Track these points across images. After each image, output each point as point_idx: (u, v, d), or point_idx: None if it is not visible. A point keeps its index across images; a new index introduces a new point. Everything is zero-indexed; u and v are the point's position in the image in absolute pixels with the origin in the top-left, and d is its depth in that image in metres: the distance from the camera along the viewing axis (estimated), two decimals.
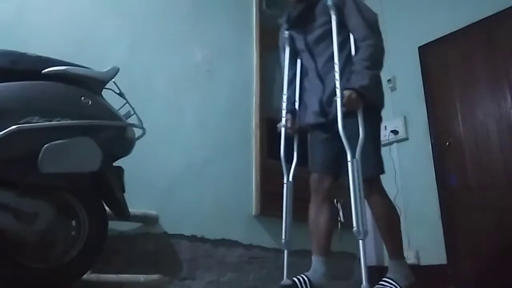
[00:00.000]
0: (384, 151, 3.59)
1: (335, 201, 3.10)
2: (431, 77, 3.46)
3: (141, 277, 2.05)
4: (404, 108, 3.54)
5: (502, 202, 2.88)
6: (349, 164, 1.78)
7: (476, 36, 3.23)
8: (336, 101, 1.90)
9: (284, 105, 2.22)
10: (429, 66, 3.49)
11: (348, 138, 1.82)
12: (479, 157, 3.07)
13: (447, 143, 3.23)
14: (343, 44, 2.02)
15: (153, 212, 2.31)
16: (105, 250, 1.72)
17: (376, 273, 3.33)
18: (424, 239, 3.19)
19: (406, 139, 3.50)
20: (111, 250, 2.02)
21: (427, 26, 3.51)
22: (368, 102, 1.90)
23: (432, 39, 3.47)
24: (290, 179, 2.12)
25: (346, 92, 1.87)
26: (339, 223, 3.08)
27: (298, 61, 2.29)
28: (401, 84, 3.63)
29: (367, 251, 3.64)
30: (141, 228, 2.28)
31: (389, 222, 1.97)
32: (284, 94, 2.25)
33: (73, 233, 1.63)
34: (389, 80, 3.65)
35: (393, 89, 3.65)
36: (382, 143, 3.59)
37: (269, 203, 2.80)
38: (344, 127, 1.84)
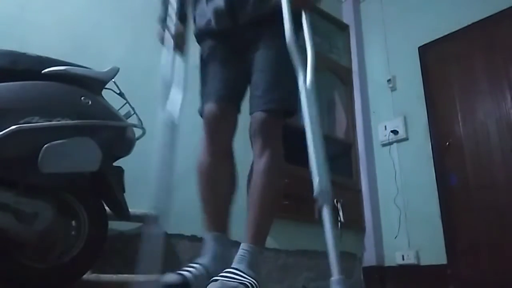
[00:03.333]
0: (384, 151, 3.63)
1: (335, 201, 3.09)
2: (431, 77, 3.46)
3: (141, 277, 2.04)
4: (404, 108, 3.55)
5: (502, 202, 2.89)
6: (302, 91, 1.23)
7: (476, 36, 3.23)
8: None
9: (174, 4, 1.48)
10: (429, 66, 3.49)
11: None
12: (479, 157, 3.07)
13: (447, 143, 3.24)
14: None
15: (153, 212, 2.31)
16: (105, 250, 1.71)
17: (376, 273, 3.33)
18: (424, 239, 3.20)
19: (406, 139, 3.50)
20: (111, 250, 2.02)
21: (427, 26, 3.51)
22: (316, 4, 1.41)
23: (432, 39, 3.47)
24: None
25: None
26: (339, 223, 3.07)
27: None
28: (401, 84, 3.63)
29: (367, 250, 3.61)
30: (141, 228, 2.28)
31: (271, 194, 1.44)
32: None
33: (73, 233, 1.63)
34: (389, 80, 3.66)
35: (393, 89, 3.66)
36: (382, 143, 3.64)
37: None
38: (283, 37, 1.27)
